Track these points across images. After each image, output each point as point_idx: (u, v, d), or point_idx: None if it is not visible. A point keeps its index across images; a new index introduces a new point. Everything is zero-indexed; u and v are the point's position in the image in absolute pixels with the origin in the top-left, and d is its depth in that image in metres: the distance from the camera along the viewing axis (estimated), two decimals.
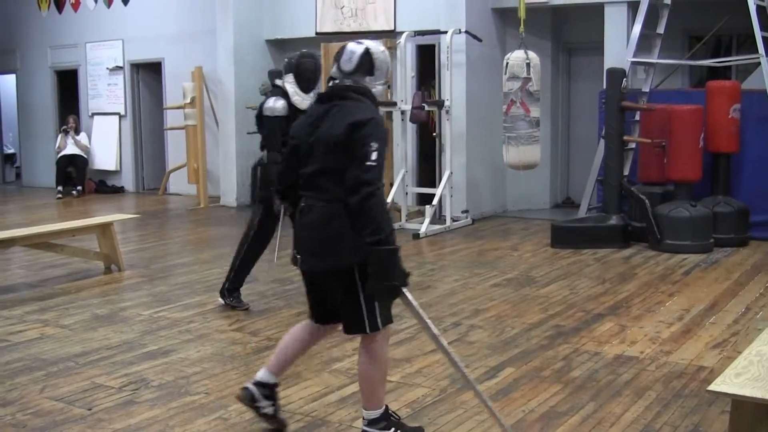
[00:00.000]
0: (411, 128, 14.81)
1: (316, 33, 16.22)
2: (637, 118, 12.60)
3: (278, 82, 8.57)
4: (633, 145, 12.44)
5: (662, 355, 7.07)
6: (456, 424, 5.61)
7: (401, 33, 14.30)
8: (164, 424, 5.70)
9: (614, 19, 13.38)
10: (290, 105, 8.29)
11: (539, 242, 12.35)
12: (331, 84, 5.27)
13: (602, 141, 12.47)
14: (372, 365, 5.22)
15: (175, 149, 18.67)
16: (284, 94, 8.35)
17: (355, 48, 5.23)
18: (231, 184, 17.15)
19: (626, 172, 12.36)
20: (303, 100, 8.27)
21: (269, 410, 5.49)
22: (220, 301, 8.84)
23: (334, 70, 5.27)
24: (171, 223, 15.40)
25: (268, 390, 5.49)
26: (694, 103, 11.90)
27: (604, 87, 12.39)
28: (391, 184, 14.12)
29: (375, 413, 5.25)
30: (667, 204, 11.68)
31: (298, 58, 8.45)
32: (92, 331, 8.00)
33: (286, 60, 8.63)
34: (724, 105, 11.81)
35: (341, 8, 15.94)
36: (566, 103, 16.05)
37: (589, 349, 7.25)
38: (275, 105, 8.28)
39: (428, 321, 5.25)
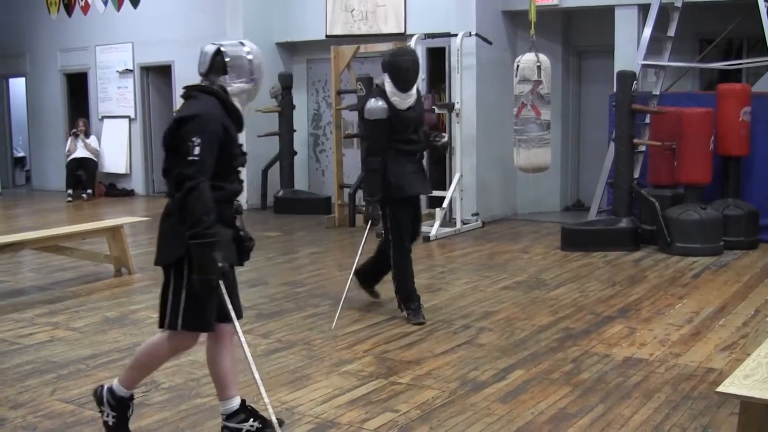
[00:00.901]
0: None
1: (327, 36, 16.22)
2: (648, 121, 12.58)
3: (377, 81, 8.44)
4: (643, 148, 12.44)
5: (671, 357, 7.06)
6: (465, 426, 5.61)
7: (411, 36, 14.30)
8: (174, 426, 5.71)
9: (625, 22, 13.38)
10: (390, 106, 8.07)
11: (549, 245, 12.35)
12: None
13: (612, 144, 12.46)
14: (150, 350, 5.38)
15: None
16: (383, 94, 8.13)
17: (207, 49, 5.33)
18: None
19: (636, 175, 12.35)
20: (402, 101, 8.11)
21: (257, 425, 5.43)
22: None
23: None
24: None
25: (246, 413, 5.47)
26: (705, 106, 11.89)
27: (615, 90, 12.37)
28: None
29: (124, 392, 5.41)
30: (677, 207, 11.67)
31: (391, 56, 8.17)
32: (102, 333, 8.02)
33: (383, 58, 8.33)
34: (734, 108, 11.80)
35: (351, 11, 15.94)
36: (576, 106, 16.04)
37: (599, 352, 7.25)
38: (374, 107, 8.09)
39: (237, 325, 5.35)
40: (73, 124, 20.28)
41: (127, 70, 20.00)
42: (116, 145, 20.36)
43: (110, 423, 5.42)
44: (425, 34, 14.22)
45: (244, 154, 5.38)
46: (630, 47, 13.11)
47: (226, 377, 5.46)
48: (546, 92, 11.84)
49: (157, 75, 19.89)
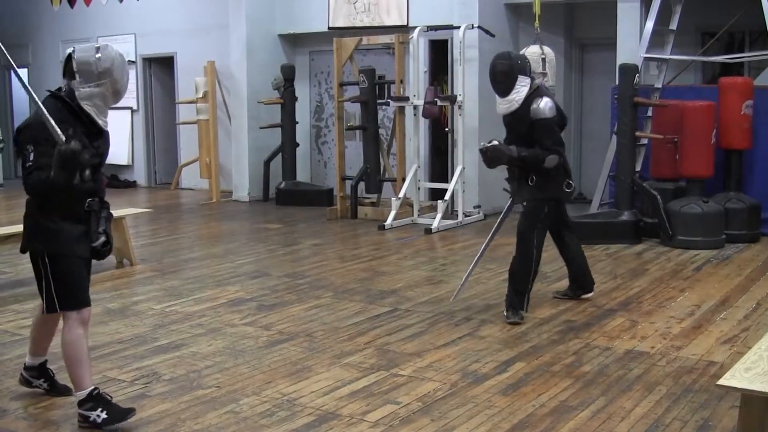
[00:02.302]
0: (423, 123, 14.82)
1: (329, 28, 16.21)
2: (650, 114, 12.58)
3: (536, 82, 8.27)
4: (645, 141, 12.43)
5: (673, 350, 7.07)
6: (466, 419, 5.62)
7: (414, 28, 14.28)
8: (176, 417, 5.72)
9: (627, 15, 13.35)
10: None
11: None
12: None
13: (614, 137, 12.46)
14: (67, 346, 5.73)
15: (188, 144, 18.71)
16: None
17: (64, 53, 5.63)
18: (243, 179, 17.18)
19: (638, 168, 12.35)
20: (499, 105, 8.22)
21: (45, 386, 6.06)
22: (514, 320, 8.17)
23: None
24: (183, 218, 15.43)
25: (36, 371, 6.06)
26: (707, 100, 11.87)
27: (617, 83, 12.37)
28: (404, 179, 14.14)
29: (81, 393, 5.59)
30: (679, 200, 11.67)
31: (492, 61, 8.29)
32: (104, 325, 8.02)
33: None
34: (736, 101, 11.79)
35: (354, 3, 15.93)
36: (579, 99, 16.04)
37: (600, 344, 7.25)
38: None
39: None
40: None
41: (129, 61, 19.93)
42: (119, 136, 20.34)
43: (104, 417, 5.53)
44: (428, 27, 14.21)
45: (97, 154, 5.61)
46: (632, 40, 13.08)
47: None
48: (551, 84, 11.82)
49: (160, 66, 19.88)
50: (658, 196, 11.63)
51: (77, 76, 5.53)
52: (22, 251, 5.81)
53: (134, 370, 6.71)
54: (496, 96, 8.20)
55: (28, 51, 21.95)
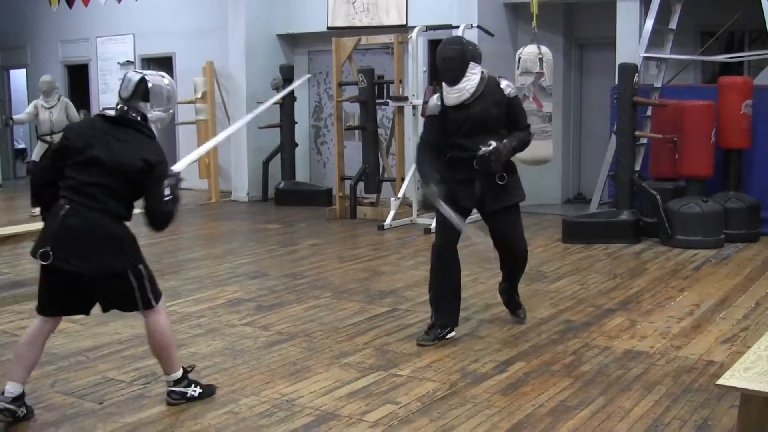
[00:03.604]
0: (422, 123, 14.79)
1: (328, 28, 16.22)
2: (649, 113, 12.59)
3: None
4: (644, 141, 12.44)
5: (672, 349, 7.06)
6: (466, 419, 5.62)
7: (413, 27, 14.27)
8: (175, 418, 5.71)
9: (626, 15, 13.35)
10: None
11: (550, 237, 12.35)
12: (118, 107, 5.77)
13: (614, 136, 12.46)
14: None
15: (187, 144, 18.66)
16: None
17: (131, 76, 5.82)
18: (242, 179, 17.19)
19: (638, 168, 12.35)
20: (447, 95, 7.37)
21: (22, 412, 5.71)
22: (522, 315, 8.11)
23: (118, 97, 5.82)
24: (182, 218, 15.35)
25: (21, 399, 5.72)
26: (706, 99, 11.87)
27: (616, 82, 12.36)
28: (403, 179, 14.13)
29: (177, 374, 6.03)
30: (679, 199, 11.66)
31: (441, 46, 7.50)
32: (103, 325, 7.99)
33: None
34: (735, 101, 11.78)
35: (353, 3, 15.94)
36: (578, 99, 16.04)
37: (599, 344, 7.25)
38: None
39: None
40: None
41: (128, 61, 19.98)
42: None
43: (199, 391, 6.05)
44: (427, 26, 14.19)
45: None
46: (632, 40, 13.09)
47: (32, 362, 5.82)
48: (548, 84, 11.80)
49: (159, 66, 19.78)
50: (658, 196, 11.63)
51: (150, 99, 5.80)
52: (113, 272, 5.69)
53: (134, 370, 6.70)
54: (443, 86, 7.43)
55: (26, 52, 21.96)
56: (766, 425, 4.39)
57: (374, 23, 15.65)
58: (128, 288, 5.74)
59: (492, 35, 13.86)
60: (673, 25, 12.68)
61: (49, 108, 15.52)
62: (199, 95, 16.92)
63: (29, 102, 20.86)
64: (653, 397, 5.97)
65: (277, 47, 17.27)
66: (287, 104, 16.28)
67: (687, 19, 12.95)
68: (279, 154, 16.50)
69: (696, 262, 10.55)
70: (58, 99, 15.80)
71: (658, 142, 12.15)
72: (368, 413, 5.73)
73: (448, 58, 7.28)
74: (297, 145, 16.63)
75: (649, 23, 12.52)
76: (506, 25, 14.83)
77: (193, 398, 5.98)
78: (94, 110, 20.54)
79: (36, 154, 15.81)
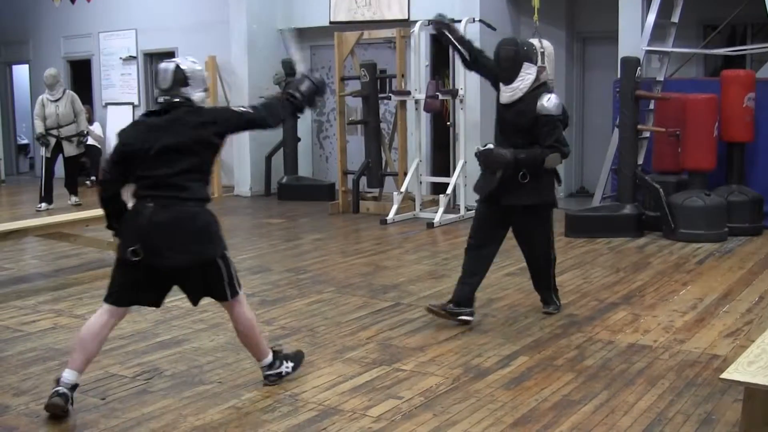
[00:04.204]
0: (425, 117, 14.79)
1: (330, 22, 16.22)
2: (652, 107, 12.58)
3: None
4: (647, 135, 12.43)
5: (675, 343, 7.06)
6: (469, 413, 5.61)
7: (415, 22, 14.27)
8: (177, 413, 5.71)
9: (628, 8, 13.32)
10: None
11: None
12: (161, 100, 5.91)
13: (616, 130, 12.45)
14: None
15: None
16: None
17: (166, 66, 5.97)
18: (245, 174, 17.19)
19: (640, 161, 12.34)
20: (503, 93, 7.74)
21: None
22: (551, 310, 8.12)
23: (156, 91, 5.96)
24: None
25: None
26: (709, 92, 11.85)
27: (619, 76, 12.35)
28: (405, 173, 14.13)
29: (268, 359, 6.25)
30: (682, 193, 11.65)
31: (497, 46, 7.82)
32: None
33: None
34: (738, 94, 11.77)
35: None
36: (580, 93, 16.02)
37: (603, 338, 7.24)
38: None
39: None
40: None
41: (130, 56, 19.99)
42: None
43: (292, 365, 6.35)
44: (428, 20, 14.15)
45: None
46: (634, 33, 13.05)
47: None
48: (550, 78, 11.79)
49: (161, 61, 19.82)
50: (661, 190, 11.61)
51: (190, 83, 5.93)
52: (203, 261, 5.86)
53: (136, 365, 6.71)
54: (500, 85, 7.78)
55: (28, 47, 21.97)
56: None
57: (376, 17, 15.64)
58: (218, 275, 5.91)
59: (494, 29, 13.83)
60: (675, 18, 12.65)
61: (55, 101, 15.53)
62: None
63: (32, 97, 20.98)
64: (657, 392, 5.96)
65: (279, 42, 17.23)
66: None
67: (689, 12, 12.93)
68: (282, 149, 16.49)
69: (699, 255, 10.54)
70: (64, 92, 15.83)
71: (660, 136, 12.14)
72: (371, 408, 5.72)
73: (502, 59, 7.67)
74: (300, 139, 16.63)
75: (652, 17, 12.50)
76: (508, 19, 14.82)
77: (288, 374, 6.29)
78: (97, 106, 20.58)
79: (48, 149, 15.74)
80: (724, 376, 4.35)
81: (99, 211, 11.41)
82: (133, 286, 5.88)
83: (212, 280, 5.92)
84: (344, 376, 6.39)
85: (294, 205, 15.48)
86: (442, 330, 7.54)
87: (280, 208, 15.31)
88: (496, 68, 7.82)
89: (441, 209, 13.32)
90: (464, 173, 13.66)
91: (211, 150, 5.90)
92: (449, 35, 8.08)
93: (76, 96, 16.08)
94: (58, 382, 5.66)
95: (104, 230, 11.01)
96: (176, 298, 8.74)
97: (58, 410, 5.58)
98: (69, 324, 7.91)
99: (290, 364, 6.31)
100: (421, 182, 14.28)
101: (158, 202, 5.69)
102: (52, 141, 15.57)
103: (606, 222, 11.91)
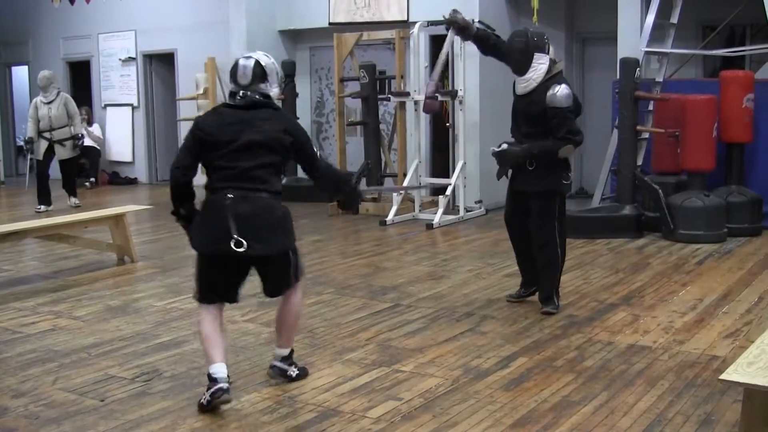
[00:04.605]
0: (424, 118, 14.78)
1: (330, 23, 16.21)
2: (651, 108, 12.57)
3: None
4: (646, 135, 12.43)
5: (675, 344, 7.06)
6: (468, 414, 5.61)
7: (414, 23, 14.27)
8: (177, 415, 5.71)
9: (628, 9, 13.31)
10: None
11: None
12: (241, 95, 6.01)
13: (616, 131, 12.45)
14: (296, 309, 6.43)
15: None
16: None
17: (245, 62, 6.07)
18: None
19: (640, 162, 12.34)
20: (518, 85, 7.97)
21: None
22: (549, 309, 8.12)
23: (233, 85, 6.09)
24: None
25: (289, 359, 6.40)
26: (708, 93, 11.86)
27: (618, 77, 12.36)
28: (405, 174, 14.13)
29: (286, 351, 6.41)
30: (681, 194, 11.65)
31: (509, 38, 8.05)
32: (105, 322, 8.02)
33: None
34: (737, 95, 11.78)
35: None
36: (579, 93, 15.91)
37: (602, 339, 7.24)
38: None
39: None
40: None
41: (129, 58, 20.00)
42: (120, 133, 20.38)
43: (297, 373, 6.36)
44: (428, 22, 14.17)
45: None
46: (633, 34, 13.05)
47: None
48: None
49: (160, 63, 19.89)
50: (660, 190, 11.61)
51: (268, 79, 6.08)
52: (285, 251, 6.10)
53: (135, 367, 6.70)
54: (514, 78, 7.98)
55: (28, 48, 21.97)
56: None
57: (375, 19, 15.64)
58: (288, 265, 6.11)
59: (493, 30, 13.75)
60: (674, 19, 12.66)
61: (48, 103, 15.44)
62: (201, 91, 16.91)
63: (31, 98, 20.93)
64: (656, 392, 5.96)
65: (278, 43, 17.26)
66: (289, 100, 16.26)
67: (688, 13, 12.93)
68: None
69: (698, 256, 10.54)
70: (58, 94, 15.70)
71: (659, 137, 12.14)
72: (371, 409, 5.72)
73: (514, 51, 7.85)
74: None
75: (651, 17, 12.50)
76: (507, 20, 14.79)
77: (290, 378, 6.29)
78: (96, 107, 20.58)
79: (39, 153, 15.67)
80: (723, 376, 4.35)
81: (98, 213, 11.51)
82: (218, 280, 6.04)
83: (282, 269, 6.10)
84: (344, 377, 6.39)
85: (293, 206, 15.20)
86: (442, 331, 7.54)
87: None
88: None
89: (440, 210, 13.32)
90: (464, 174, 13.67)
91: (286, 155, 6.08)
92: (467, 35, 8.17)
93: (70, 98, 15.96)
94: (215, 380, 5.74)
95: (103, 232, 11.15)
96: (174, 300, 8.80)
97: (226, 403, 5.79)
98: (68, 326, 7.90)
99: (296, 371, 6.33)
100: (420, 183, 14.28)
101: (238, 194, 5.84)
102: (44, 144, 15.48)
103: (605, 223, 11.91)
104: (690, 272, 9.76)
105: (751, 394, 4.40)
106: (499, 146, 7.96)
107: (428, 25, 14.21)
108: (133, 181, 20.08)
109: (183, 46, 18.93)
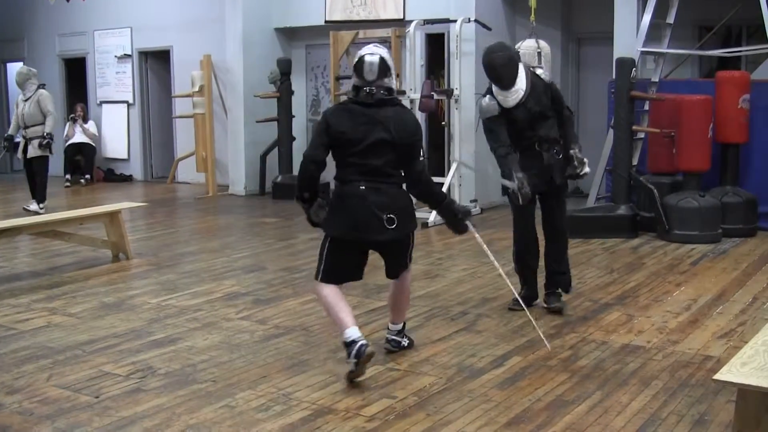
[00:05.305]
0: (420, 117, 14.78)
1: (326, 21, 16.21)
2: (647, 108, 12.58)
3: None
4: (642, 135, 12.43)
5: (669, 344, 7.06)
6: (463, 413, 5.61)
7: (410, 21, 14.27)
8: (171, 411, 5.70)
9: (624, 9, 13.31)
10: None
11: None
12: (367, 91, 6.28)
13: (611, 131, 12.45)
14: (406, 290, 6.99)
15: (184, 138, 18.69)
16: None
17: (372, 59, 6.32)
18: (240, 173, 17.17)
19: (635, 162, 12.35)
20: (506, 98, 7.72)
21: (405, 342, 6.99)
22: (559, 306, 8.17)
23: (357, 80, 6.35)
24: (179, 212, 15.41)
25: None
26: (704, 94, 11.86)
27: (614, 77, 12.36)
28: None
29: (399, 326, 6.98)
30: (676, 194, 11.66)
31: (484, 54, 7.82)
32: (99, 319, 8.01)
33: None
34: (733, 95, 11.78)
35: None
36: (575, 93, 16.02)
37: (597, 339, 7.25)
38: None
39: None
40: (71, 109, 20.26)
41: (125, 55, 19.97)
42: (115, 130, 20.36)
43: (409, 342, 7.01)
44: (424, 20, 14.19)
45: None
46: (629, 34, 13.05)
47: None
48: (547, 79, 11.79)
49: (156, 60, 19.87)
50: (655, 190, 11.63)
51: (389, 74, 6.38)
52: (407, 235, 6.59)
53: (130, 364, 6.70)
54: (498, 91, 7.74)
55: (23, 44, 21.92)
56: (763, 420, 4.39)
57: (372, 17, 15.64)
58: (408, 246, 6.65)
59: (489, 29, 13.84)
60: (670, 19, 12.66)
61: (26, 100, 14.97)
62: (197, 89, 16.90)
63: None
64: (650, 392, 5.97)
65: (274, 41, 17.26)
66: (284, 98, 16.28)
67: (685, 13, 12.93)
68: (276, 148, 16.49)
69: (693, 256, 10.55)
70: (35, 91, 15.00)
71: (655, 137, 12.15)
72: (365, 407, 5.72)
73: (499, 66, 7.66)
74: (294, 138, 16.62)
75: (647, 17, 12.49)
76: (504, 19, 14.82)
77: (403, 348, 6.92)
78: (92, 104, 20.56)
79: (18, 151, 15.32)
80: (717, 377, 4.35)
81: (93, 210, 11.50)
82: (347, 262, 6.53)
83: (403, 251, 6.61)
84: (338, 375, 6.39)
85: (288, 204, 15.43)
86: (436, 330, 7.55)
87: (275, 207, 15.31)
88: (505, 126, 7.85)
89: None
90: (459, 173, 13.67)
91: (411, 153, 6.38)
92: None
93: (45, 96, 15.05)
94: (353, 342, 6.11)
95: (98, 229, 11.16)
96: (168, 297, 8.80)
97: (371, 357, 6.15)
98: (62, 322, 7.90)
99: (407, 341, 6.98)
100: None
101: (369, 185, 6.24)
102: (22, 142, 15.07)
103: (600, 222, 11.91)
104: (685, 272, 9.76)
105: (745, 394, 4.40)
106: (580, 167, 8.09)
107: (424, 24, 14.22)
108: (128, 178, 20.06)
109: (179, 43, 18.91)
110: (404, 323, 6.97)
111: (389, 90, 6.36)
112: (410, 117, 6.56)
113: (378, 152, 6.24)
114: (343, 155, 6.31)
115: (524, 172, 7.68)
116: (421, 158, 6.48)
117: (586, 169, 8.08)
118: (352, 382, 6.13)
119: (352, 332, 6.15)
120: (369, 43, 6.67)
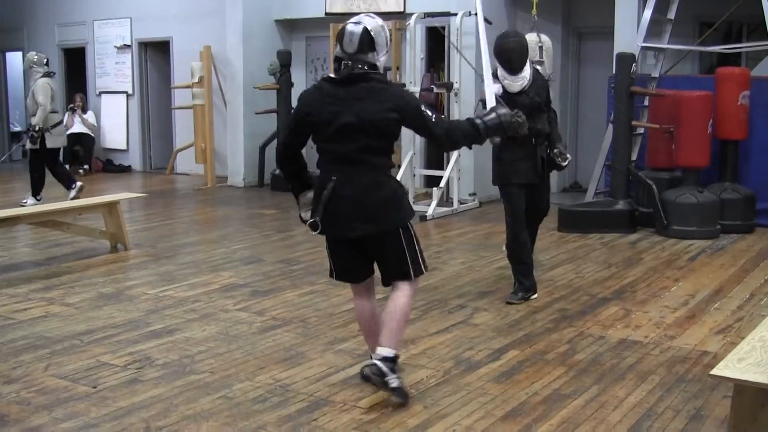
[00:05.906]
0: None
1: (326, 13, 16.20)
2: (646, 103, 12.58)
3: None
4: (641, 131, 12.43)
5: (666, 339, 7.07)
6: (459, 406, 5.62)
7: (411, 14, 14.26)
8: (168, 402, 5.71)
9: (625, 4, 13.29)
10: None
11: (546, 226, 12.22)
12: (344, 65, 5.58)
13: (611, 126, 12.45)
14: (405, 309, 5.90)
15: (183, 129, 18.66)
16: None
17: (354, 29, 5.58)
18: (239, 164, 17.17)
19: (634, 158, 12.35)
20: (512, 84, 7.95)
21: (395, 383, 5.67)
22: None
23: (339, 51, 5.63)
24: (178, 203, 15.40)
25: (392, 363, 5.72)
26: (704, 90, 11.85)
27: (614, 72, 12.36)
28: (399, 166, 14.12)
29: (392, 352, 5.71)
30: (675, 190, 11.66)
31: (501, 41, 8.09)
32: (97, 309, 8.01)
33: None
34: (733, 92, 11.77)
35: None
36: (576, 88, 16.01)
37: (594, 333, 7.25)
38: None
39: None
40: (70, 99, 20.23)
41: (125, 45, 19.95)
42: (115, 121, 20.34)
43: (399, 384, 5.68)
44: (425, 13, 14.18)
45: None
46: (630, 29, 13.04)
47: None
48: (548, 73, 11.78)
49: (156, 51, 19.84)
50: (654, 186, 11.63)
51: (376, 48, 5.62)
52: (377, 232, 5.70)
53: (127, 354, 6.70)
54: (504, 75, 7.98)
55: (22, 34, 21.87)
56: (759, 416, 4.39)
57: (372, 9, 15.58)
58: (398, 245, 5.76)
59: (490, 23, 13.74)
60: (671, 15, 12.64)
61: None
62: (196, 80, 16.88)
63: (25, 85, 20.84)
64: (647, 387, 5.97)
65: (274, 32, 17.25)
66: (284, 90, 16.26)
67: (685, 9, 12.92)
68: (275, 140, 16.48)
69: (691, 252, 10.55)
70: (36, 81, 14.47)
71: (654, 132, 12.15)
72: (362, 399, 5.73)
73: (510, 50, 7.96)
74: None
75: (648, 13, 12.48)
76: (505, 14, 14.80)
77: (392, 389, 5.65)
78: (91, 94, 20.54)
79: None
80: (714, 372, 4.36)
81: (92, 200, 11.50)
82: (345, 260, 5.88)
83: (392, 251, 5.77)
84: (335, 367, 6.39)
85: (287, 196, 15.21)
86: (434, 323, 7.55)
87: (274, 199, 15.30)
88: None
89: (434, 202, 13.32)
90: (458, 166, 13.67)
91: (390, 136, 5.67)
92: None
93: (38, 86, 14.39)
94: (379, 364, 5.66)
95: (97, 219, 11.17)
96: (167, 288, 8.80)
97: (376, 381, 5.69)
98: (60, 312, 7.90)
99: (399, 382, 5.66)
100: (414, 175, 14.28)
101: (341, 176, 5.59)
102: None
103: (599, 217, 11.91)
104: (682, 268, 9.77)
105: (741, 389, 4.40)
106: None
107: (425, 17, 14.21)
108: (126, 169, 20.04)
109: (178, 34, 18.88)
110: (397, 355, 5.78)
111: (371, 66, 5.59)
112: (389, 93, 5.62)
113: (347, 137, 5.55)
114: (316, 140, 5.75)
115: (519, 161, 8.12)
116: (433, 120, 5.63)
117: (568, 157, 8.38)
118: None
119: (381, 352, 5.68)
120: None
